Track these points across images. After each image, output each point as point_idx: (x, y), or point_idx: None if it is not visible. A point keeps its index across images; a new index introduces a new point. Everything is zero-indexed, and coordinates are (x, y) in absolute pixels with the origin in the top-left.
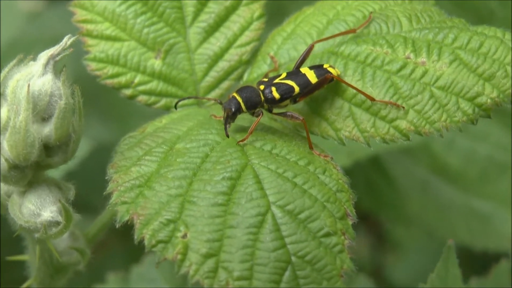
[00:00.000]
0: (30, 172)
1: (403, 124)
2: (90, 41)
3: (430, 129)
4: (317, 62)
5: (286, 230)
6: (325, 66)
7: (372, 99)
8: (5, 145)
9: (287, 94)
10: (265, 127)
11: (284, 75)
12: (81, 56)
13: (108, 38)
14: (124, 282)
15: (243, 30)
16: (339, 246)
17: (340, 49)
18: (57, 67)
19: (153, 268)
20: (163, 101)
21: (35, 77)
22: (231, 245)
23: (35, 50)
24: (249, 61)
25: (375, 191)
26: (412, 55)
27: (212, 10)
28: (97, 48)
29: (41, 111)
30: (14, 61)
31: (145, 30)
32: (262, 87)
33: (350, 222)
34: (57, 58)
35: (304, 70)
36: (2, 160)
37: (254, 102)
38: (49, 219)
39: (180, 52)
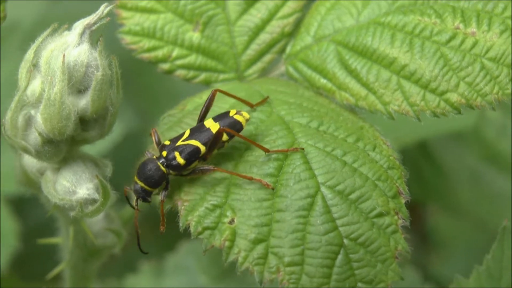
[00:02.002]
0: (65, 148)
1: (454, 97)
2: (124, 14)
3: (481, 102)
4: (362, 34)
5: (337, 211)
6: (231, 113)
7: (267, 150)
8: (39, 119)
9: (192, 157)
10: (311, 102)
11: (187, 133)
12: (114, 30)
13: (144, 10)
14: (158, 271)
15: (285, 0)
16: (393, 227)
17: (386, 19)
18: (93, 37)
19: (188, 256)
20: (203, 76)
21: (70, 47)
22: (280, 229)
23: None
24: (291, 33)
25: (422, 179)
26: (461, 26)
27: None
28: (132, 20)
29: (76, 83)
30: (48, 31)
31: (182, 2)
32: (164, 153)
33: (403, 201)
34: (93, 28)
35: (208, 123)
36: (36, 134)
37: (157, 179)
38: (85, 196)
39: (219, 24)
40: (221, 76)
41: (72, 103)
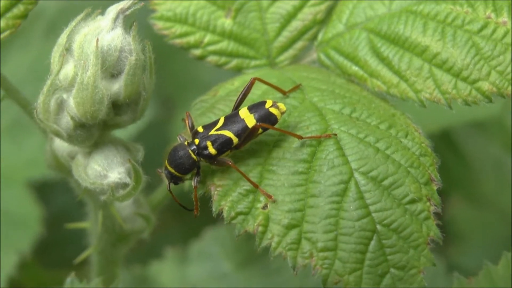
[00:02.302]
0: (96, 132)
1: (485, 85)
2: None
3: None
4: (394, 22)
5: (370, 198)
6: (267, 105)
7: (300, 137)
8: (71, 102)
9: (224, 147)
10: (343, 89)
11: (221, 121)
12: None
13: None
14: (182, 258)
15: None
16: (425, 213)
17: (418, 8)
18: (126, 22)
19: (213, 243)
20: (234, 62)
21: (104, 31)
22: (314, 215)
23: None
24: (323, 20)
25: (446, 169)
26: (493, 15)
27: None
28: (164, 6)
29: (110, 67)
30: (81, 15)
31: None
32: (197, 141)
33: (435, 187)
34: (127, 12)
35: (243, 112)
36: (68, 118)
37: (187, 166)
38: (116, 180)
39: (251, 10)
40: (253, 63)
41: (105, 87)
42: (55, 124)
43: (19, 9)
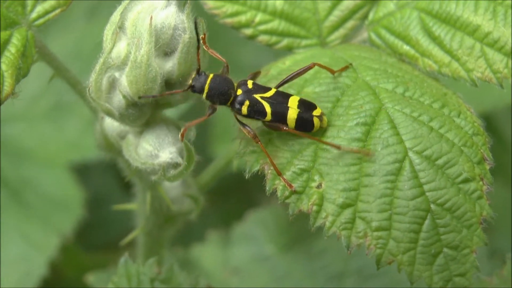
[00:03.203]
0: (148, 111)
1: None
2: None
3: None
4: (446, 1)
5: (424, 177)
6: (315, 112)
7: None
8: (124, 81)
9: (256, 115)
10: (395, 68)
11: (270, 93)
12: None
13: None
14: (225, 240)
15: None
16: (478, 192)
17: None
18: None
19: (255, 226)
20: (285, 41)
21: (157, 9)
22: (368, 194)
23: None
24: None
25: None
26: None
27: None
28: None
29: (163, 45)
30: None
31: None
32: (239, 91)
33: (488, 167)
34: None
35: (292, 102)
36: (120, 96)
37: (219, 96)
38: (168, 160)
39: None
40: (304, 42)
41: (159, 65)
42: (107, 103)
43: None
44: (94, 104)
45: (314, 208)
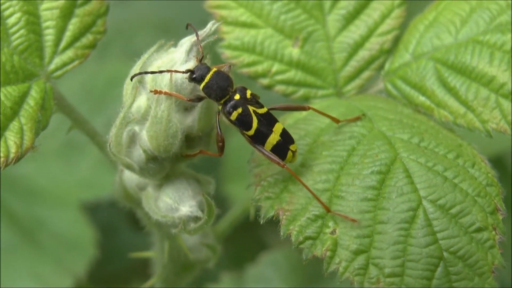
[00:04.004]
0: (168, 165)
1: None
2: (224, 28)
3: None
4: (461, 52)
5: (438, 225)
6: (292, 147)
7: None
8: (144, 135)
9: (241, 125)
10: (410, 118)
11: (262, 110)
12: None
13: (244, 24)
14: (238, 282)
15: (384, 17)
16: (490, 242)
17: (485, 37)
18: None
19: (268, 267)
20: (302, 91)
21: (177, 64)
22: (382, 241)
23: (139, 35)
24: (390, 50)
25: None
26: None
27: None
28: (232, 35)
29: (183, 101)
30: (154, 47)
31: (282, 17)
32: (237, 96)
33: (501, 217)
34: (202, 44)
35: (277, 127)
36: (140, 151)
37: (217, 90)
38: (188, 213)
39: (318, 40)
40: (320, 92)
41: (179, 120)
42: (127, 157)
43: (88, 38)
44: (114, 159)
45: (328, 253)
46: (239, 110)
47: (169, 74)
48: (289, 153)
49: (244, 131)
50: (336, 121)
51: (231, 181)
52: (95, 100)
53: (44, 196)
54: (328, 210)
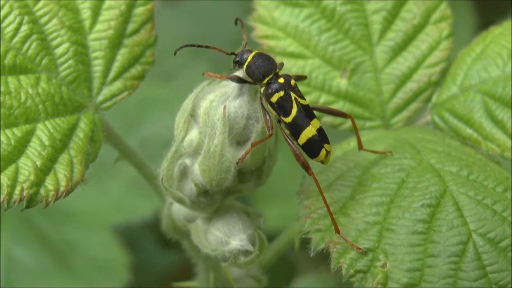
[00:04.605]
0: (219, 198)
1: None
2: None
3: None
4: (509, 84)
5: (487, 259)
6: (327, 146)
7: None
8: (196, 169)
9: (280, 110)
10: (458, 151)
11: (305, 102)
12: None
13: (291, 55)
14: None
15: (431, 49)
16: None
17: None
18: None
19: None
20: (349, 123)
21: (230, 98)
22: (432, 274)
23: (169, 56)
24: (438, 82)
25: None
26: None
27: (399, 28)
28: None
29: (236, 135)
30: (206, 82)
31: (330, 48)
32: (281, 79)
33: None
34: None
35: (315, 122)
36: (192, 185)
37: (260, 69)
38: (238, 247)
39: (366, 71)
40: (368, 124)
41: (232, 155)
42: (178, 191)
43: (136, 69)
44: (166, 193)
45: (379, 287)
46: (281, 93)
47: (222, 108)
48: (323, 151)
49: (282, 117)
50: (360, 146)
51: (265, 202)
52: (126, 120)
53: (76, 219)
54: (337, 231)
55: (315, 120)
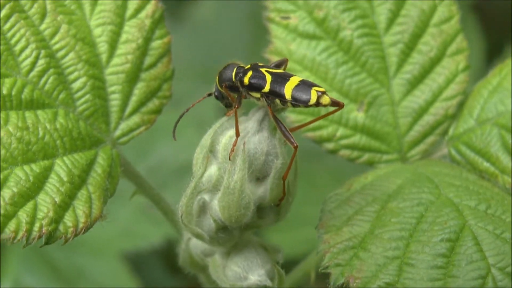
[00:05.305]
0: (237, 234)
1: None
2: None
3: None
4: None
5: None
6: (314, 87)
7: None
8: (215, 205)
9: (255, 84)
10: (476, 185)
11: (278, 70)
12: None
13: None
14: None
15: (448, 82)
16: None
17: None
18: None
19: None
20: (366, 156)
21: (249, 134)
22: None
23: (180, 83)
24: (454, 115)
25: None
26: None
27: (416, 60)
28: None
29: (255, 171)
30: (225, 117)
31: (347, 81)
32: (248, 67)
33: None
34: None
35: (293, 79)
36: (211, 221)
37: (225, 76)
38: (257, 283)
39: (383, 104)
40: (384, 157)
41: (251, 191)
42: (197, 227)
43: (154, 103)
44: (185, 228)
45: None
46: (250, 73)
47: (241, 144)
48: (313, 92)
49: (262, 92)
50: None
51: (276, 230)
52: (136, 147)
53: (84, 246)
54: (284, 194)
55: (294, 77)
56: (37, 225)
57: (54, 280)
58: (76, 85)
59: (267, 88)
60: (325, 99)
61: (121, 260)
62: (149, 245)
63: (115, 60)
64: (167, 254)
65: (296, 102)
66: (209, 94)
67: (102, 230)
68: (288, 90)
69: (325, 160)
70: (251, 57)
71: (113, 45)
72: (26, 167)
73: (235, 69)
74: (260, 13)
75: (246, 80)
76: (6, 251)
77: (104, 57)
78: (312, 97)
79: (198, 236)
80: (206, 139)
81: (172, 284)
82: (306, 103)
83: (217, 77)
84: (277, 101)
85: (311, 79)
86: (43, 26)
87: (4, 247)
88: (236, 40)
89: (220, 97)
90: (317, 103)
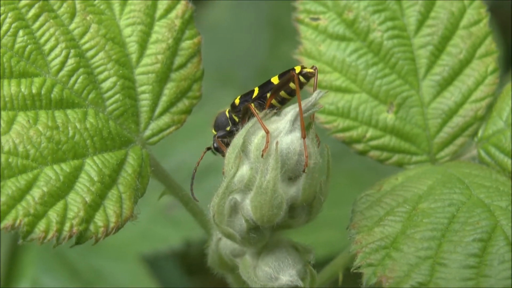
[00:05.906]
0: (268, 233)
1: None
2: None
3: None
4: None
5: None
6: (295, 68)
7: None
8: (247, 205)
9: (245, 97)
10: (506, 186)
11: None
12: None
13: (338, 89)
14: None
15: (477, 84)
16: None
17: None
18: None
19: None
20: (396, 157)
21: (282, 134)
22: None
23: None
24: (484, 117)
25: None
26: None
27: (446, 62)
28: (326, 99)
29: (288, 171)
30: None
31: (377, 82)
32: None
33: None
34: (306, 115)
35: (273, 78)
36: (242, 221)
37: (220, 122)
38: (288, 283)
39: (413, 106)
40: (414, 158)
41: (284, 191)
42: (228, 227)
43: (184, 103)
44: (216, 228)
45: None
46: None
47: (274, 143)
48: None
49: (259, 99)
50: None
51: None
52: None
53: (103, 248)
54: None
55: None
56: (67, 225)
57: (73, 282)
58: (106, 84)
59: (256, 92)
60: (298, 68)
61: (140, 262)
62: (168, 248)
63: (145, 60)
64: (184, 255)
65: (283, 80)
66: (208, 148)
67: (121, 231)
68: (274, 80)
69: (341, 162)
70: (268, 58)
71: (143, 45)
72: (56, 167)
73: (227, 111)
74: (277, 14)
75: (236, 100)
76: (24, 252)
77: (134, 57)
78: (295, 71)
79: (230, 236)
80: (238, 139)
81: (189, 285)
82: (291, 75)
83: (213, 128)
84: (274, 101)
85: (341, 80)
86: (72, 26)
87: (22, 247)
88: (250, 41)
89: (219, 149)
90: (300, 73)
